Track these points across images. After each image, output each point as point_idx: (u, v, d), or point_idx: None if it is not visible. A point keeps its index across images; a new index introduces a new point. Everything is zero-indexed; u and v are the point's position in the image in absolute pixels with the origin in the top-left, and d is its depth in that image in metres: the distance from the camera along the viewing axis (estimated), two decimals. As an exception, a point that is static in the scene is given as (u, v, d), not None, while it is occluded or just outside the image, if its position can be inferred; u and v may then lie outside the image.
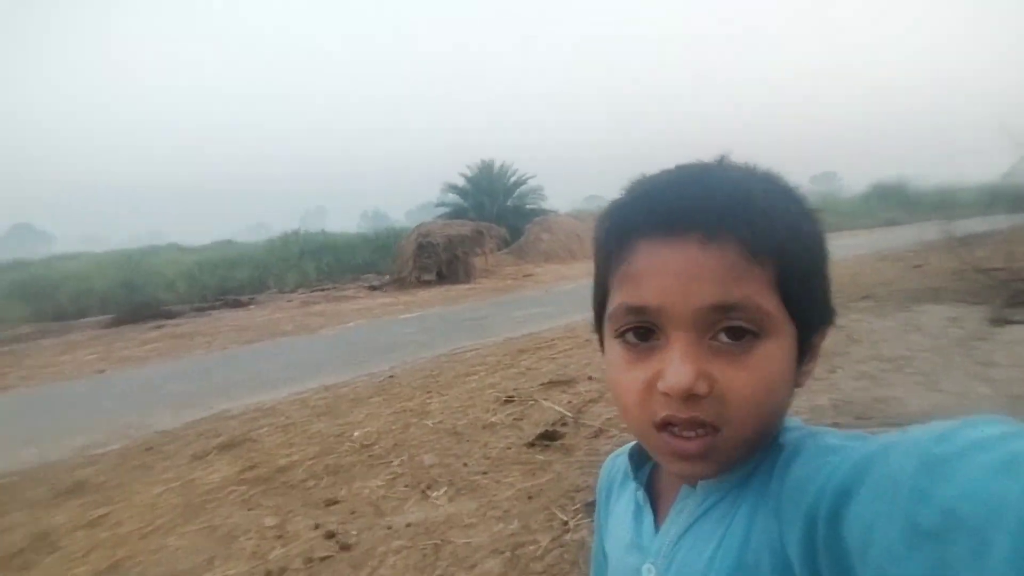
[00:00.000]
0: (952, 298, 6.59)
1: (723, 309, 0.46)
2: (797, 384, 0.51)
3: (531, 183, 26.62)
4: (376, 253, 20.65)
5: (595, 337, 0.61)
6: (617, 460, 0.70)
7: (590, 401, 4.49)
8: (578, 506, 2.88)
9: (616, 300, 0.50)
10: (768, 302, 0.47)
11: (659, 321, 0.48)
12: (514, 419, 4.30)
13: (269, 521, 3.09)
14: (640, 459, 0.62)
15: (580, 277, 16.57)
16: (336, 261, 20.23)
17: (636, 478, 0.62)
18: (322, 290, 16.68)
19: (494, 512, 2.93)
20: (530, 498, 3.03)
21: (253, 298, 15.87)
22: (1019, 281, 6.28)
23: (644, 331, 0.49)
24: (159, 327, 12.24)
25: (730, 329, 0.46)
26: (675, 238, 0.47)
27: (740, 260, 0.46)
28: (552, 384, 5.08)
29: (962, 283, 7.02)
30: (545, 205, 26.48)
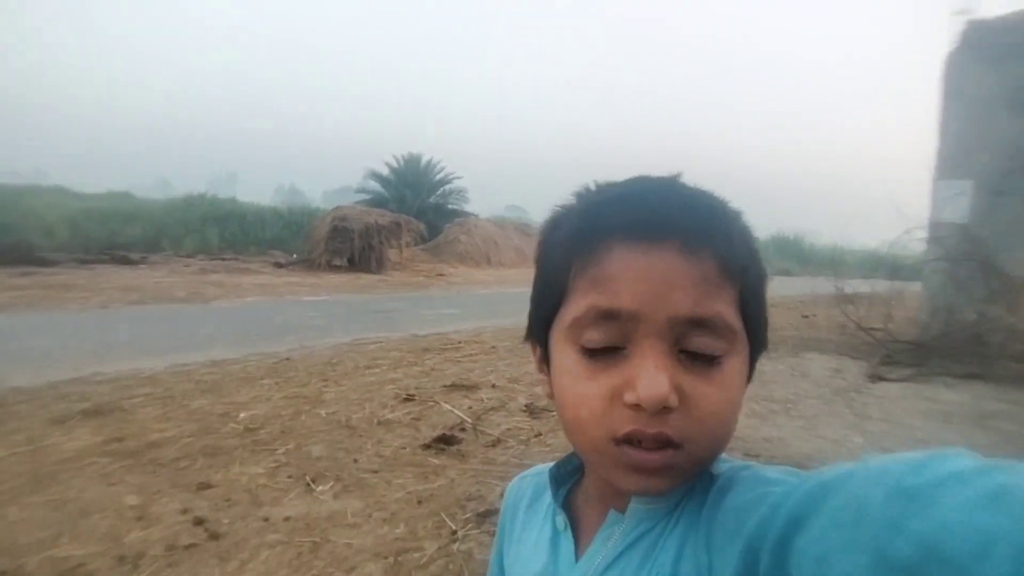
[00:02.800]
0: (835, 350, 7.08)
1: (696, 322, 0.44)
2: None
3: (456, 183, 26.48)
4: (287, 230, 19.77)
5: (527, 346, 0.56)
6: (525, 480, 0.66)
7: (491, 409, 4.44)
8: (469, 516, 2.80)
9: (582, 303, 0.47)
10: (734, 319, 0.46)
11: (629, 327, 0.45)
12: (412, 418, 4.18)
13: (131, 500, 2.81)
14: (559, 480, 0.58)
15: (493, 284, 16.60)
16: (242, 232, 19.17)
17: (556, 499, 0.57)
18: (223, 259, 15.76)
19: (381, 513, 2.80)
20: (420, 503, 2.93)
21: (145, 257, 14.76)
22: (894, 342, 6.84)
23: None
24: (29, 274, 11.11)
25: (698, 342, 0.45)
26: (655, 243, 0.45)
27: (714, 274, 0.45)
28: (454, 387, 5.00)
29: (845, 337, 7.56)
30: (467, 208, 26.40)
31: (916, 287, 8.36)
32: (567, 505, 0.58)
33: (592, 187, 0.53)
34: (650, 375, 0.43)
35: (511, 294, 13.91)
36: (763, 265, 0.51)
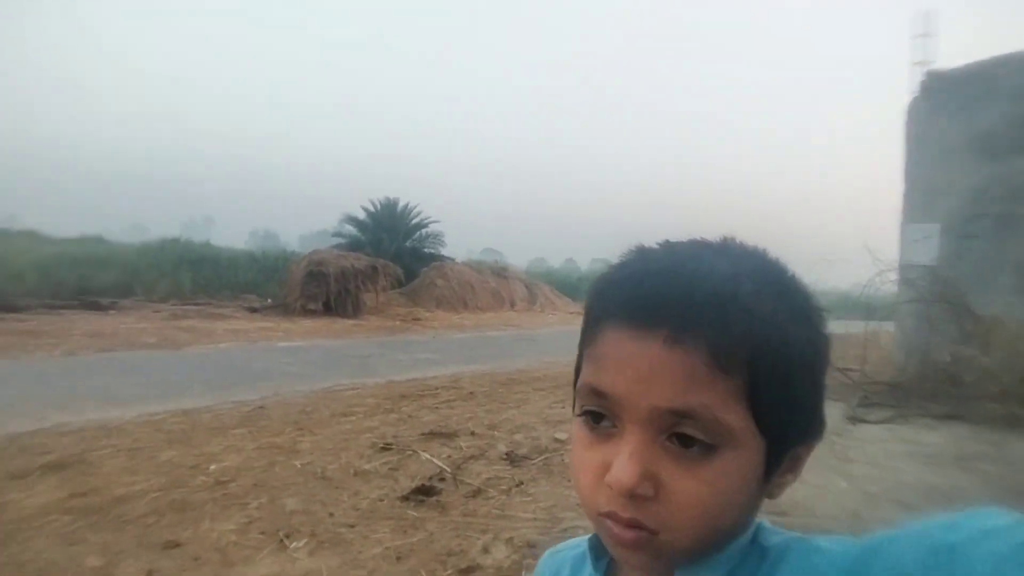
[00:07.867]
0: (813, 393, 7.10)
1: (677, 414, 0.44)
2: (770, 495, 0.49)
3: (433, 227, 26.54)
4: (261, 274, 19.46)
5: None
6: (560, 554, 0.65)
7: (471, 458, 4.36)
8: (450, 572, 2.71)
9: (583, 376, 0.49)
10: (730, 414, 0.44)
11: (616, 410, 0.46)
12: (389, 468, 4.07)
13: (93, 561, 2.67)
14: (599, 551, 0.57)
15: (470, 327, 16.49)
16: (216, 276, 18.85)
17: (596, 569, 0.57)
18: (196, 304, 15.49)
19: (358, 572, 2.70)
20: (399, 559, 2.83)
21: (115, 303, 14.43)
22: (871, 383, 6.89)
23: (599, 415, 0.48)
24: (-6, 321, 10.79)
25: (682, 435, 0.44)
26: (642, 331, 0.45)
27: (703, 367, 0.43)
28: (433, 435, 4.90)
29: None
30: (443, 251, 26.42)
31: (890, 328, 8.48)
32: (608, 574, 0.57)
33: (626, 255, 0.51)
34: (621, 462, 0.44)
35: (488, 338, 13.87)
36: (802, 345, 0.46)
